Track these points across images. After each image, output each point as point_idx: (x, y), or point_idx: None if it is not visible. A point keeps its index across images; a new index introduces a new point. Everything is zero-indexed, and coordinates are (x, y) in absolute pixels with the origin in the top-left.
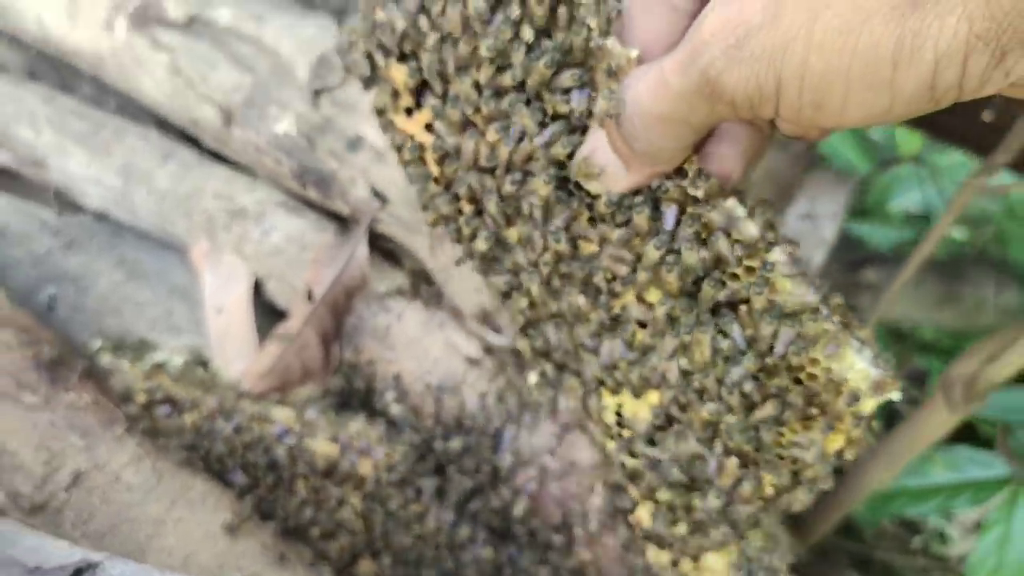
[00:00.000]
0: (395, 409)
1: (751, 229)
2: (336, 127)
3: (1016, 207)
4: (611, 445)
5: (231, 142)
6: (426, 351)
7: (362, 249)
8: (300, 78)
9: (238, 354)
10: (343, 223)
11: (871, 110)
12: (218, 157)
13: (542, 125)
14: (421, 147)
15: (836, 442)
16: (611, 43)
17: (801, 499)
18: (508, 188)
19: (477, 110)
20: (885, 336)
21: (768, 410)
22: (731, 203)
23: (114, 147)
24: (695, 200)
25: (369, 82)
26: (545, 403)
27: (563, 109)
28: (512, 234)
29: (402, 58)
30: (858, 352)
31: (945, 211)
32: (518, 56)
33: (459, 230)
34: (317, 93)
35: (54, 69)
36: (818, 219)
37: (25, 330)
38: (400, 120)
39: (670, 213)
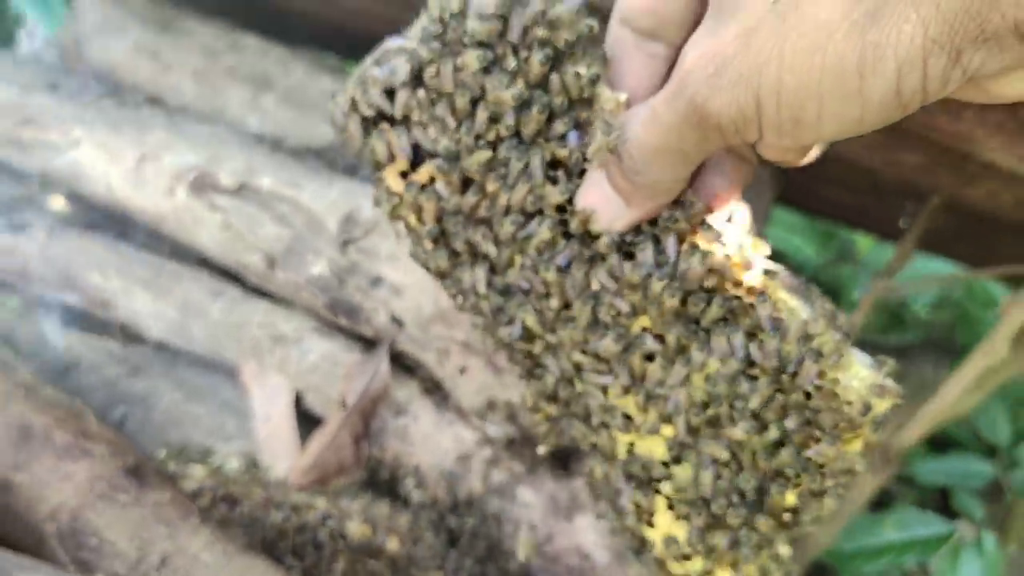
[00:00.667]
0: (415, 494)
1: (749, 250)
2: (361, 269)
3: (975, 290)
4: (627, 490)
5: (273, 281)
6: (438, 444)
7: (384, 365)
8: (330, 230)
9: (284, 455)
10: (368, 344)
11: (844, 120)
12: (261, 293)
13: (539, 171)
14: (418, 207)
15: (856, 445)
16: (601, 89)
17: (828, 506)
18: (507, 231)
19: (474, 160)
20: None
21: (792, 422)
22: (728, 228)
23: (172, 287)
24: (692, 229)
25: (363, 148)
26: (540, 474)
27: (562, 153)
28: (512, 277)
29: (395, 121)
30: (859, 359)
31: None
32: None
33: (459, 282)
34: (345, 243)
35: (113, 221)
36: None
37: (112, 443)
38: (395, 183)
39: (671, 243)
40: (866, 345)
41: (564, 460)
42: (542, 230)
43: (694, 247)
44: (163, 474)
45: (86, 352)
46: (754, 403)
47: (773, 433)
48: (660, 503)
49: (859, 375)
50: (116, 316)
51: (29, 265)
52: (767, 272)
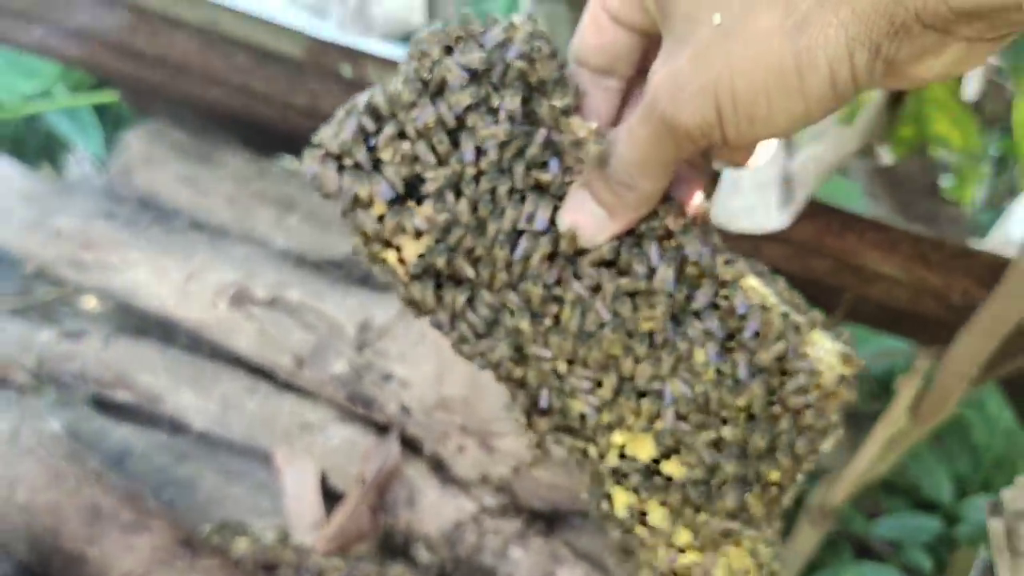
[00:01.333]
0: (424, 556)
1: (720, 244)
2: (375, 367)
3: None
4: (619, 492)
5: (301, 378)
6: (442, 513)
7: (395, 447)
8: (349, 335)
9: (312, 526)
10: (382, 430)
11: (792, 114)
12: (290, 388)
13: (521, 197)
14: (398, 249)
15: (832, 406)
16: (573, 118)
17: (808, 468)
18: (502, 256)
19: (459, 195)
20: None
21: (792, 386)
22: (696, 230)
23: (213, 385)
24: (668, 234)
25: (338, 194)
26: (528, 536)
27: (544, 179)
28: (497, 298)
29: (370, 165)
30: (823, 332)
31: None
32: (494, 142)
33: (446, 309)
34: (361, 346)
35: (159, 326)
36: None
37: (167, 519)
38: (372, 227)
39: (653, 248)
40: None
41: (549, 522)
42: (535, 248)
43: (674, 248)
44: (211, 545)
45: (138, 442)
46: (741, 376)
47: (759, 406)
48: (653, 500)
49: (825, 347)
50: (164, 410)
51: (88, 368)
52: (735, 262)
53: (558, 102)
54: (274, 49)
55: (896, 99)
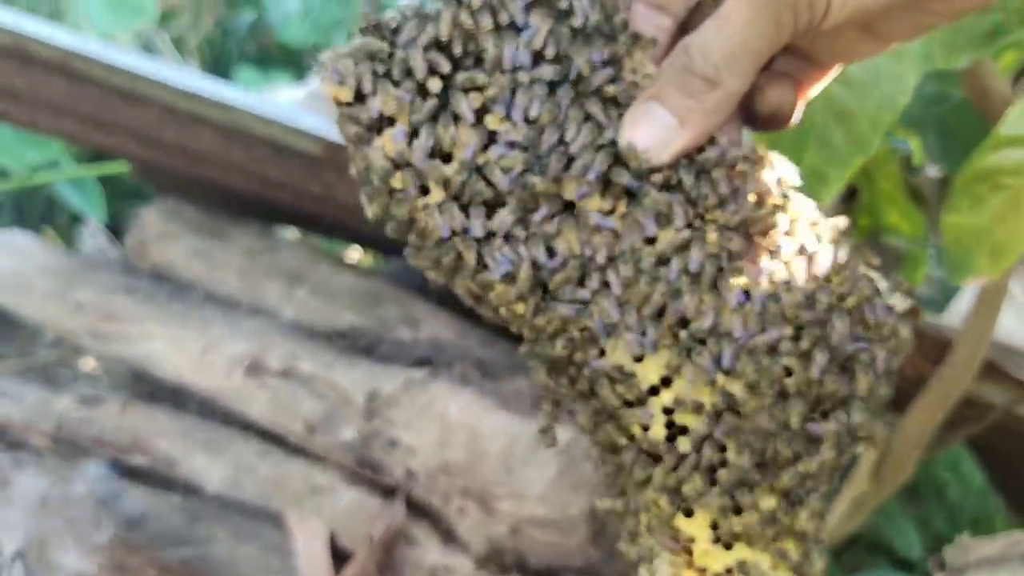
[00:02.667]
0: None
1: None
2: (383, 433)
3: None
4: (660, 472)
5: (312, 443)
6: (446, 570)
7: (401, 508)
8: (358, 403)
9: None
10: (388, 492)
11: None
12: (301, 451)
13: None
14: (422, 174)
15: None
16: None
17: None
18: (553, 169)
19: (530, 121)
20: None
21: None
22: (760, 158)
23: (227, 449)
24: (732, 163)
25: (354, 109)
26: None
27: (611, 90)
28: (541, 228)
29: (393, 76)
30: (881, 276)
31: None
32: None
33: (475, 253)
34: (369, 413)
35: (171, 393)
36: None
37: None
38: (395, 149)
39: (720, 176)
40: None
41: None
42: (592, 163)
43: (742, 179)
44: None
45: (154, 504)
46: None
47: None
48: (700, 477)
49: (883, 286)
50: (179, 474)
51: (105, 433)
52: (796, 196)
53: (620, 21)
54: (292, 145)
55: (851, 195)
